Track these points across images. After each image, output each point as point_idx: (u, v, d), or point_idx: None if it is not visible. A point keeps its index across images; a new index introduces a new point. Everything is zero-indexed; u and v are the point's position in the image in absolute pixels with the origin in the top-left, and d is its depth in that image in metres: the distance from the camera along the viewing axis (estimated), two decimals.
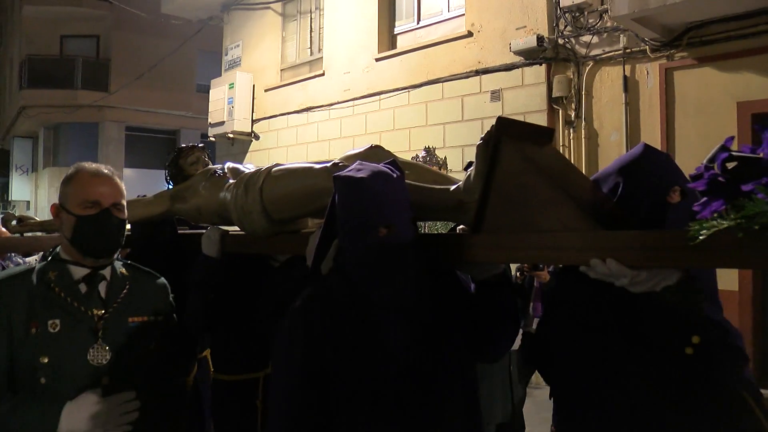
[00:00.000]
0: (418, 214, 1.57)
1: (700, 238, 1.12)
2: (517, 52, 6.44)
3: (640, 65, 5.88)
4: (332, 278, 1.57)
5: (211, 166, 2.51)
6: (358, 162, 1.58)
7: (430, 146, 7.16)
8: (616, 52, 5.99)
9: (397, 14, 8.37)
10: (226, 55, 11.37)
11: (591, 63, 6.17)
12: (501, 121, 1.50)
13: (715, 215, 1.16)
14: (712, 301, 1.46)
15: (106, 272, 1.76)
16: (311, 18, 9.85)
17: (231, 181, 2.19)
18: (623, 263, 1.24)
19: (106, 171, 1.77)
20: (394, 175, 1.51)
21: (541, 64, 6.40)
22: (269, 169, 2.08)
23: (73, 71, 18.47)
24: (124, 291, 1.77)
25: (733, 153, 1.20)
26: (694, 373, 1.37)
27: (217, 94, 10.68)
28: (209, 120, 10.74)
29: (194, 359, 2.63)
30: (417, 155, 7.03)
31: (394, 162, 1.59)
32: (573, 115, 6.23)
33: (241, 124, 10.22)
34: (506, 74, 6.67)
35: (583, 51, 6.23)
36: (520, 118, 6.54)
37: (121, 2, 13.39)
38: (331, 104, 8.80)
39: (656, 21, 5.34)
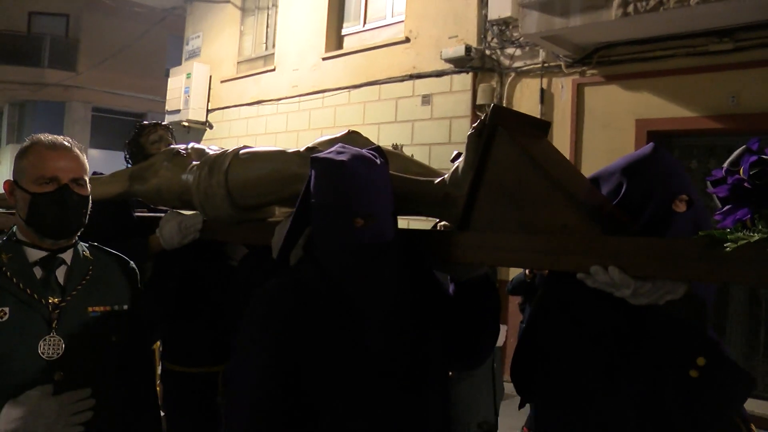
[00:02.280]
0: (400, 207, 1.43)
1: (727, 250, 1.00)
2: (448, 60, 6.82)
3: (556, 79, 6.31)
4: (303, 267, 1.42)
5: (174, 146, 2.31)
6: (339, 144, 1.44)
7: None
8: (536, 66, 6.41)
9: (345, 16, 8.71)
10: (187, 44, 11.61)
11: (513, 74, 6.58)
12: (496, 109, 1.38)
13: (739, 225, 1.03)
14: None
15: (67, 255, 1.59)
16: (268, 14, 10.14)
17: (195, 162, 2.03)
18: (627, 272, 1.12)
19: (65, 143, 1.59)
20: (378, 162, 1.38)
21: (468, 73, 6.79)
22: (236, 150, 1.93)
23: (40, 49, 18.38)
24: (87, 277, 1.61)
25: (764, 156, 1.09)
26: (698, 399, 1.25)
27: (175, 82, 10.94)
28: (166, 107, 11.00)
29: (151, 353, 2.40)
30: None
31: (379, 149, 1.46)
32: None
33: (196, 113, 10.49)
34: (437, 80, 7.06)
35: (506, 62, 6.64)
36: (447, 123, 7.03)
37: None
38: (280, 99, 9.13)
39: (567, 39, 5.75)
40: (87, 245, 1.69)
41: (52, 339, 1.50)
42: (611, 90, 5.96)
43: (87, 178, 1.62)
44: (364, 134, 1.83)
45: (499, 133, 1.36)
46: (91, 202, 1.64)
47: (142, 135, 2.58)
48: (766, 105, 5.16)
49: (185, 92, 10.64)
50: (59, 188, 1.53)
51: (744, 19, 4.98)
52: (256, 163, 1.86)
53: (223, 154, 1.94)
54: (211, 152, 2.04)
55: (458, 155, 1.54)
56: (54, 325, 1.51)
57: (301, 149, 1.79)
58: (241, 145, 2.00)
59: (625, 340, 1.32)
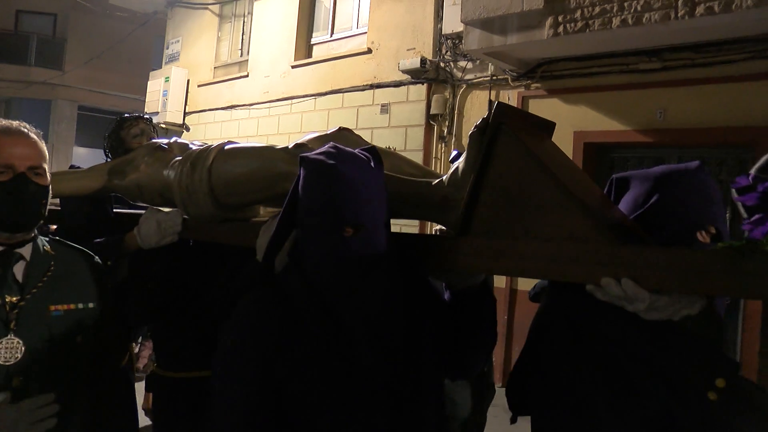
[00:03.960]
0: (393, 210, 1.35)
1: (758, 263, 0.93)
2: (405, 71, 7.21)
3: (504, 91, 6.71)
4: (288, 278, 1.32)
5: (155, 140, 2.21)
6: (331, 144, 1.33)
7: None
8: (485, 78, 6.81)
9: (315, 26, 9.10)
10: (167, 48, 11.97)
11: (464, 86, 6.98)
12: (500, 106, 1.31)
13: None
14: None
15: (25, 250, 1.49)
16: (244, 21, 10.50)
17: (177, 158, 1.94)
18: (642, 285, 1.04)
19: (21, 128, 1.49)
20: (372, 165, 1.29)
21: (423, 84, 7.19)
22: (221, 145, 1.84)
23: (27, 47, 18.61)
24: (48, 273, 1.50)
25: None
26: (716, 425, 1.17)
27: (154, 85, 11.31)
28: (145, 109, 11.34)
29: (125, 353, 2.29)
30: None
31: (373, 149, 1.35)
32: (446, 131, 7.04)
33: (174, 116, 10.86)
34: (395, 90, 7.46)
35: (459, 74, 7.04)
36: (403, 131, 7.43)
37: None
38: (252, 104, 9.51)
39: (509, 55, 6.14)
40: (47, 239, 1.58)
41: (9, 342, 1.39)
42: (553, 103, 6.37)
43: (46, 167, 1.51)
44: None
45: (503, 132, 1.28)
46: (51, 193, 1.53)
47: (123, 128, 2.43)
48: (690, 120, 5.58)
49: (164, 95, 10.99)
50: (15, 177, 1.43)
51: (669, 40, 5.39)
52: (241, 160, 1.76)
53: (207, 149, 1.84)
54: (195, 147, 1.96)
55: (458, 155, 1.46)
56: (12, 326, 1.40)
57: (290, 146, 1.70)
58: (226, 140, 1.90)
59: (636, 360, 1.24)
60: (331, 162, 1.24)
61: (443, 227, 1.51)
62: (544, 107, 6.43)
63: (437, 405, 1.37)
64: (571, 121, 6.20)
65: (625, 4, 5.02)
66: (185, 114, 10.99)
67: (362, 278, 1.23)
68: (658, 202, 1.32)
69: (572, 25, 5.25)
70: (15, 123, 1.50)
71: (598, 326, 1.28)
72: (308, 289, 1.26)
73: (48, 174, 1.52)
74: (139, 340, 4.26)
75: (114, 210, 2.29)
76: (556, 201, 1.21)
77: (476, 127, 1.33)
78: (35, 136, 1.51)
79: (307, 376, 1.23)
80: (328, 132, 1.74)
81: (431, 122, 7.14)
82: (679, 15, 4.80)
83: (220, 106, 10.24)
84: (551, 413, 1.39)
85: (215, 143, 1.88)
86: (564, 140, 6.21)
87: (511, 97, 6.63)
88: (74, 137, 18.76)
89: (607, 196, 1.42)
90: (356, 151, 1.32)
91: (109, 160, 2.39)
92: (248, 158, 1.76)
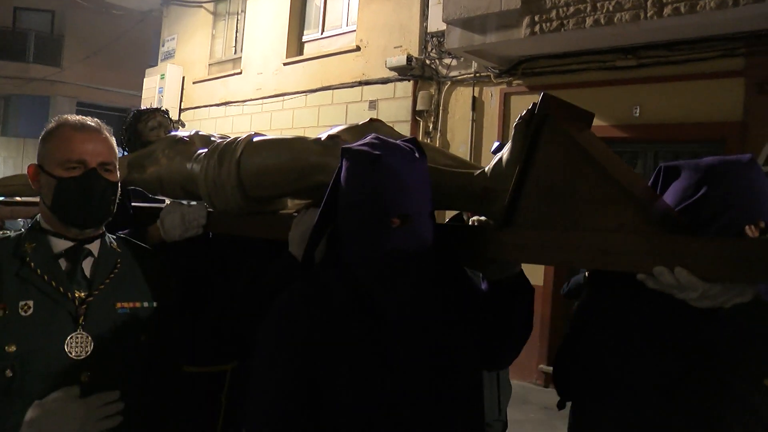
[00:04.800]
0: (434, 201, 1.33)
1: None
2: (392, 68, 7.42)
3: (487, 88, 6.91)
4: (328, 273, 1.31)
5: (175, 133, 2.21)
6: (373, 135, 1.31)
7: None
8: (469, 75, 7.01)
9: (306, 23, 9.30)
10: (163, 46, 12.17)
11: (449, 83, 7.19)
12: (546, 97, 1.30)
13: None
14: None
15: (94, 246, 1.49)
16: (237, 19, 10.71)
17: (201, 150, 1.92)
18: (695, 274, 1.05)
19: (92, 124, 1.49)
20: (417, 156, 1.28)
21: (409, 81, 7.40)
22: (249, 137, 1.81)
23: (25, 44, 18.74)
24: (115, 270, 1.50)
25: None
26: None
27: (150, 82, 11.52)
28: (141, 106, 11.54)
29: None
30: None
31: (415, 140, 1.33)
32: (431, 127, 7.25)
33: (169, 113, 11.04)
34: (382, 87, 7.68)
35: (444, 71, 7.25)
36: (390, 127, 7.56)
37: None
38: (245, 101, 9.73)
39: (490, 53, 6.34)
40: (114, 237, 1.59)
41: (79, 336, 1.38)
42: (534, 99, 6.35)
43: (117, 164, 1.52)
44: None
45: (549, 123, 1.27)
46: (120, 190, 1.53)
47: (140, 121, 2.39)
48: (664, 117, 5.79)
49: (159, 92, 11.21)
50: (86, 172, 1.43)
51: (642, 39, 5.58)
52: (271, 152, 1.73)
53: (234, 142, 1.81)
54: (218, 140, 1.93)
55: (500, 146, 1.45)
56: (81, 322, 1.39)
57: (322, 137, 1.68)
58: (253, 132, 1.88)
59: (687, 351, 1.24)
60: (377, 153, 1.22)
61: (481, 218, 1.47)
62: (524, 103, 6.54)
63: (476, 398, 1.36)
64: None
65: (598, 5, 5.22)
66: (180, 110, 11.20)
67: (408, 270, 1.22)
68: (707, 194, 1.32)
69: (548, 24, 5.45)
70: (88, 119, 1.50)
71: (647, 318, 1.29)
72: (350, 283, 1.25)
73: (117, 171, 1.53)
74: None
75: (132, 203, 2.26)
76: (605, 193, 1.20)
77: (521, 118, 1.32)
78: (107, 133, 1.51)
79: (345, 371, 1.20)
80: (359, 123, 1.72)
81: (417, 118, 7.35)
82: (648, 15, 5.00)
83: (214, 103, 10.46)
84: (594, 403, 1.40)
85: (242, 135, 1.85)
86: None
87: (493, 93, 6.84)
88: None
89: (652, 188, 1.41)
90: (398, 141, 1.30)
91: (125, 153, 2.31)
92: (279, 150, 1.73)
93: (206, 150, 1.88)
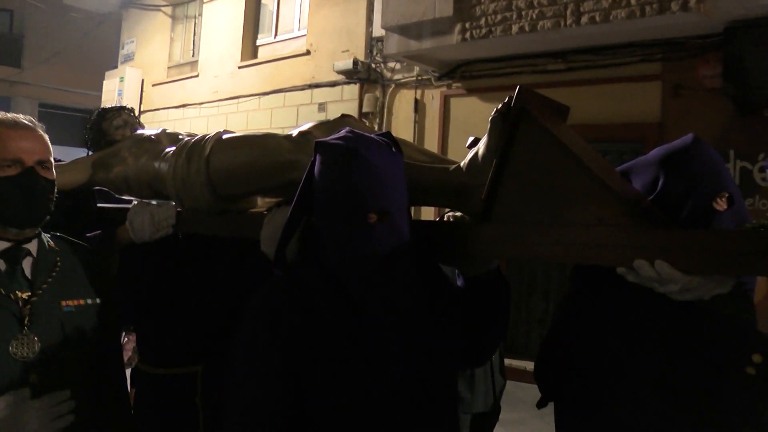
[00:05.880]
0: (410, 197, 1.30)
1: None
2: (339, 72, 7.69)
3: (428, 91, 7.23)
4: (306, 270, 1.27)
5: (141, 131, 2.16)
6: (348, 129, 1.29)
7: None
8: (411, 79, 7.32)
9: (260, 27, 9.52)
10: (123, 48, 12.28)
11: (393, 86, 7.50)
12: (522, 89, 1.28)
13: None
14: None
15: (32, 246, 1.46)
16: (195, 22, 10.87)
17: (168, 149, 1.88)
18: (676, 266, 1.05)
19: (26, 121, 1.44)
20: (393, 150, 1.25)
21: (356, 84, 7.68)
22: (219, 134, 1.78)
23: None
24: (56, 269, 1.47)
25: None
26: (754, 398, 1.20)
27: (110, 85, 11.64)
28: None
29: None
30: None
31: (390, 135, 1.29)
32: (377, 129, 7.50)
33: (134, 111, 11.18)
34: (331, 89, 7.95)
35: (388, 75, 7.55)
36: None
37: None
38: (202, 103, 9.91)
39: (427, 57, 6.64)
40: (50, 235, 1.56)
41: (25, 338, 1.35)
42: (472, 101, 6.89)
43: (53, 160, 1.48)
44: None
45: (526, 117, 1.25)
46: (56, 187, 1.49)
47: (105, 119, 2.32)
48: (593, 117, 6.12)
49: (119, 95, 11.31)
50: (23, 171, 1.39)
51: (568, 44, 5.93)
52: (241, 149, 1.70)
53: (203, 139, 1.78)
54: (186, 138, 1.89)
55: (475, 141, 1.43)
56: (26, 323, 1.37)
57: (293, 133, 1.65)
58: (223, 129, 1.86)
59: (673, 342, 1.25)
60: (352, 146, 1.19)
61: (456, 213, 1.47)
62: (463, 105, 6.95)
63: (452, 397, 1.36)
64: (488, 118, 6.68)
65: (523, 13, 5.55)
66: (140, 113, 11.31)
67: (387, 267, 1.19)
68: (667, 183, 1.33)
69: (478, 30, 5.77)
70: (21, 116, 1.46)
71: (631, 311, 1.30)
72: (328, 280, 1.22)
73: (53, 168, 1.49)
74: (122, 333, 4.54)
75: (97, 205, 2.20)
76: (584, 187, 1.19)
77: (497, 111, 1.30)
78: (41, 130, 1.47)
79: (326, 368, 1.18)
80: (331, 119, 1.69)
81: (363, 119, 7.61)
82: (568, 23, 5.35)
83: (173, 105, 10.63)
84: (577, 400, 1.40)
85: (210, 133, 1.82)
86: (482, 135, 6.73)
87: (434, 95, 7.15)
88: None
89: (626, 179, 1.41)
90: (373, 135, 1.27)
91: (90, 153, 2.26)
92: (249, 147, 1.69)
93: (174, 148, 1.85)
